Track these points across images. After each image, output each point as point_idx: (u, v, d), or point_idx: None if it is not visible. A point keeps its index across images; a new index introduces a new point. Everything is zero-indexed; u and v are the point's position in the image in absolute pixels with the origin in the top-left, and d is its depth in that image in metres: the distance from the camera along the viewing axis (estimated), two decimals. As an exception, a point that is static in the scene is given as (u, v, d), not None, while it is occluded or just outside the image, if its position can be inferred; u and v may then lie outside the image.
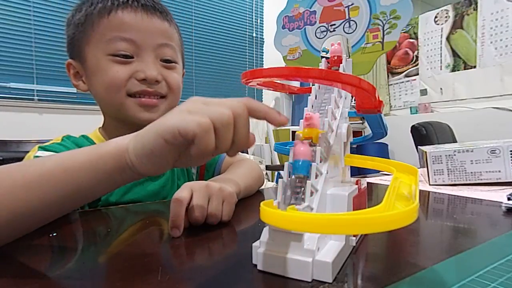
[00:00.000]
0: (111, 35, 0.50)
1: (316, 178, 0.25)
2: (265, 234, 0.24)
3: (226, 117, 0.26)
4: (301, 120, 0.28)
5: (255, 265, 0.25)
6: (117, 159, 0.28)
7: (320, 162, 0.26)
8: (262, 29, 2.93)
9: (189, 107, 0.27)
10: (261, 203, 0.22)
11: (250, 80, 0.30)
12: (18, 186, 0.28)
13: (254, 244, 0.25)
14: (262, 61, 2.94)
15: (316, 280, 0.22)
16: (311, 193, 0.24)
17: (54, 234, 0.35)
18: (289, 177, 0.25)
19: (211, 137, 0.25)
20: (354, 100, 0.34)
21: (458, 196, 0.54)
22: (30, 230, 0.31)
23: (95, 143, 0.51)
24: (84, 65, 0.54)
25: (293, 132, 2.62)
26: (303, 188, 0.24)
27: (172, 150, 0.27)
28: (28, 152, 0.51)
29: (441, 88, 3.05)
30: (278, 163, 2.61)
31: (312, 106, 0.31)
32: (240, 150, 0.28)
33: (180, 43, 0.60)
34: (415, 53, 3.22)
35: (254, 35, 2.90)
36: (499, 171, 0.59)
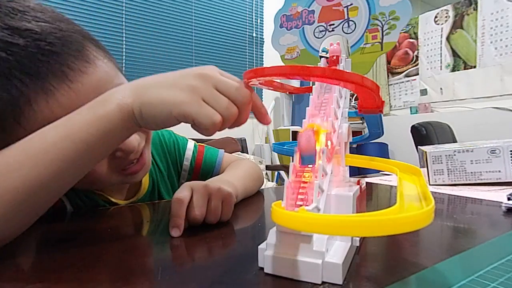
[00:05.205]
0: None
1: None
2: (272, 236, 0.24)
3: (234, 116, 0.29)
4: (304, 120, 0.28)
5: (261, 268, 0.24)
6: (123, 118, 0.30)
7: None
8: (262, 29, 2.93)
9: (203, 92, 0.29)
10: (272, 204, 0.21)
11: (252, 79, 0.30)
12: (26, 165, 0.28)
13: (260, 247, 0.25)
14: (262, 61, 2.94)
15: (326, 282, 0.22)
16: (317, 194, 0.24)
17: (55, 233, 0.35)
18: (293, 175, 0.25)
19: (217, 130, 0.29)
20: (355, 100, 0.34)
21: (458, 196, 0.54)
22: (46, 207, 0.31)
23: None
24: None
25: (293, 132, 2.62)
26: (309, 189, 0.24)
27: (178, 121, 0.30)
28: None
29: (441, 88, 3.05)
30: (278, 163, 2.62)
31: (314, 106, 0.31)
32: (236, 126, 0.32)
33: (112, 62, 0.41)
34: (415, 53, 3.22)
35: (254, 35, 2.90)
36: (499, 171, 0.59)
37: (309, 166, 0.25)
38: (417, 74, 3.22)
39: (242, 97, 0.30)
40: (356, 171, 0.64)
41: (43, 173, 0.28)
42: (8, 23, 0.32)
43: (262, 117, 0.33)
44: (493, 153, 0.59)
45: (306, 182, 0.25)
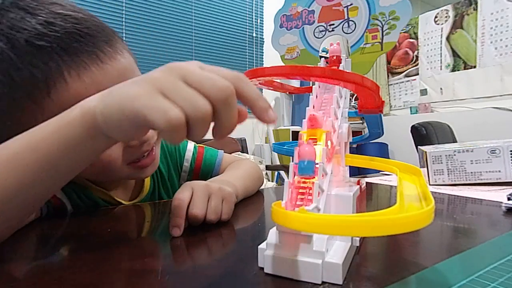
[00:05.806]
0: None
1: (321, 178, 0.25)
2: (272, 236, 0.24)
3: (202, 112, 0.21)
4: (304, 120, 0.28)
5: (261, 268, 0.24)
6: (85, 125, 0.26)
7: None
8: (262, 29, 2.93)
9: (163, 85, 0.22)
10: (272, 204, 0.21)
11: (252, 79, 0.30)
12: None
13: (260, 247, 0.25)
14: (262, 61, 2.94)
15: (326, 282, 0.22)
16: (317, 194, 0.24)
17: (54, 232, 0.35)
18: (294, 177, 0.25)
19: (181, 133, 0.22)
20: (355, 100, 0.34)
21: (458, 196, 0.54)
22: (15, 222, 0.29)
23: None
24: None
25: (293, 132, 2.63)
26: (309, 189, 0.24)
27: (141, 127, 0.24)
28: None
29: (441, 88, 3.05)
30: (278, 163, 2.62)
31: (314, 106, 0.31)
32: (225, 136, 0.24)
33: (134, 59, 0.47)
34: (415, 53, 3.22)
35: (254, 35, 2.90)
36: (499, 171, 0.59)
37: (308, 175, 0.24)
38: (417, 74, 3.22)
39: (217, 89, 0.22)
40: (356, 171, 0.64)
41: (2, 184, 0.26)
42: (50, 9, 0.37)
43: (260, 113, 0.23)
44: (493, 153, 0.59)
45: (306, 182, 0.25)
